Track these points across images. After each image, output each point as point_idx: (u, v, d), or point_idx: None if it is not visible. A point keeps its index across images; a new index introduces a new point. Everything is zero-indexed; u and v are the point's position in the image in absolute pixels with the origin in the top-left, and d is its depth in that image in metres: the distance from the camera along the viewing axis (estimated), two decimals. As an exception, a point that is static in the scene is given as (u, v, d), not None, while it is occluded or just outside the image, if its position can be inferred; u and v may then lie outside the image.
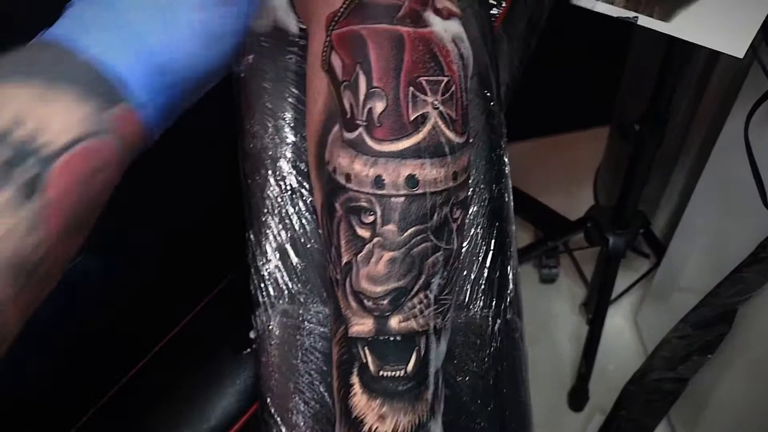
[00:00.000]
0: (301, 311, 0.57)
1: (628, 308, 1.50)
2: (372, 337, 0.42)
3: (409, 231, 0.41)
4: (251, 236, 0.58)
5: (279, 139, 0.59)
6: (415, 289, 0.42)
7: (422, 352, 0.42)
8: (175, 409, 0.68)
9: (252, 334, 0.60)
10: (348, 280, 0.42)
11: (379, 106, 0.40)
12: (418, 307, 0.42)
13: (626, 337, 1.48)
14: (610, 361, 1.42)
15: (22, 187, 0.21)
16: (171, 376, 0.70)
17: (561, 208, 1.51)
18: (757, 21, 0.65)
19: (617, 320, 1.49)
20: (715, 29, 0.67)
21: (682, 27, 0.67)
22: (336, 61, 0.42)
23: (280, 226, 0.58)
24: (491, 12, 0.69)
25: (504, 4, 0.70)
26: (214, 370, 0.69)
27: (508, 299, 0.61)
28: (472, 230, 0.60)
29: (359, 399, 0.42)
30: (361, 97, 0.40)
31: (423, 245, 0.41)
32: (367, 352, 0.42)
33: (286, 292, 0.58)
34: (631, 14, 0.68)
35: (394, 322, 0.41)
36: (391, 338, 0.42)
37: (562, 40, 0.83)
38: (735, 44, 0.66)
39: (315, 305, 0.57)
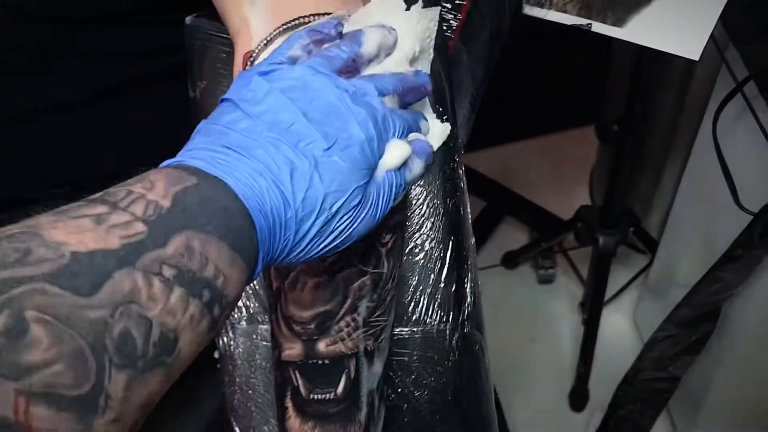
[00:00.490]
0: (259, 330, 0.58)
1: (628, 306, 1.49)
2: (301, 361, 0.43)
3: (332, 258, 0.42)
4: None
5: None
6: (341, 312, 0.42)
7: (352, 374, 0.43)
8: None
9: (216, 354, 0.61)
10: (279, 305, 0.43)
11: None
12: (345, 330, 0.42)
13: (625, 335, 1.47)
14: (609, 360, 1.41)
15: (209, 320, 0.29)
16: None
17: (556, 209, 1.51)
18: (710, 23, 0.65)
19: (616, 318, 1.48)
20: (669, 32, 0.67)
21: (636, 32, 0.67)
22: None
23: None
24: (448, 24, 0.69)
25: (460, 16, 0.71)
26: (185, 394, 0.70)
27: (466, 312, 0.61)
28: (427, 244, 0.60)
29: (293, 422, 0.43)
30: None
31: (347, 270, 0.42)
32: (297, 375, 0.43)
33: (244, 311, 0.59)
34: (584, 21, 0.68)
35: (321, 345, 0.42)
36: (320, 361, 0.42)
37: (553, 38, 0.83)
38: (690, 46, 0.66)
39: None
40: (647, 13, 0.67)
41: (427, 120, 0.40)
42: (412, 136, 0.37)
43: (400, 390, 0.57)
